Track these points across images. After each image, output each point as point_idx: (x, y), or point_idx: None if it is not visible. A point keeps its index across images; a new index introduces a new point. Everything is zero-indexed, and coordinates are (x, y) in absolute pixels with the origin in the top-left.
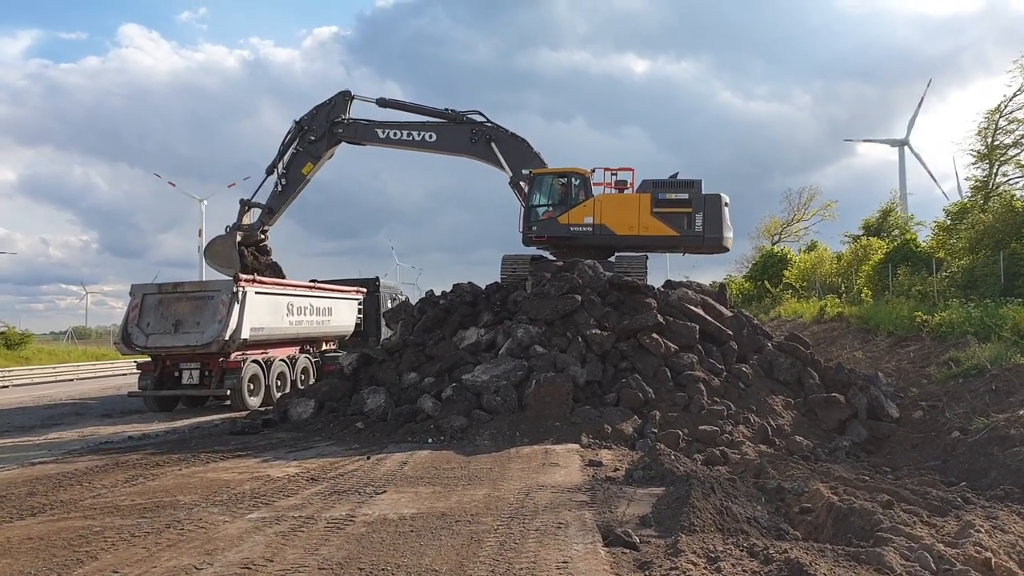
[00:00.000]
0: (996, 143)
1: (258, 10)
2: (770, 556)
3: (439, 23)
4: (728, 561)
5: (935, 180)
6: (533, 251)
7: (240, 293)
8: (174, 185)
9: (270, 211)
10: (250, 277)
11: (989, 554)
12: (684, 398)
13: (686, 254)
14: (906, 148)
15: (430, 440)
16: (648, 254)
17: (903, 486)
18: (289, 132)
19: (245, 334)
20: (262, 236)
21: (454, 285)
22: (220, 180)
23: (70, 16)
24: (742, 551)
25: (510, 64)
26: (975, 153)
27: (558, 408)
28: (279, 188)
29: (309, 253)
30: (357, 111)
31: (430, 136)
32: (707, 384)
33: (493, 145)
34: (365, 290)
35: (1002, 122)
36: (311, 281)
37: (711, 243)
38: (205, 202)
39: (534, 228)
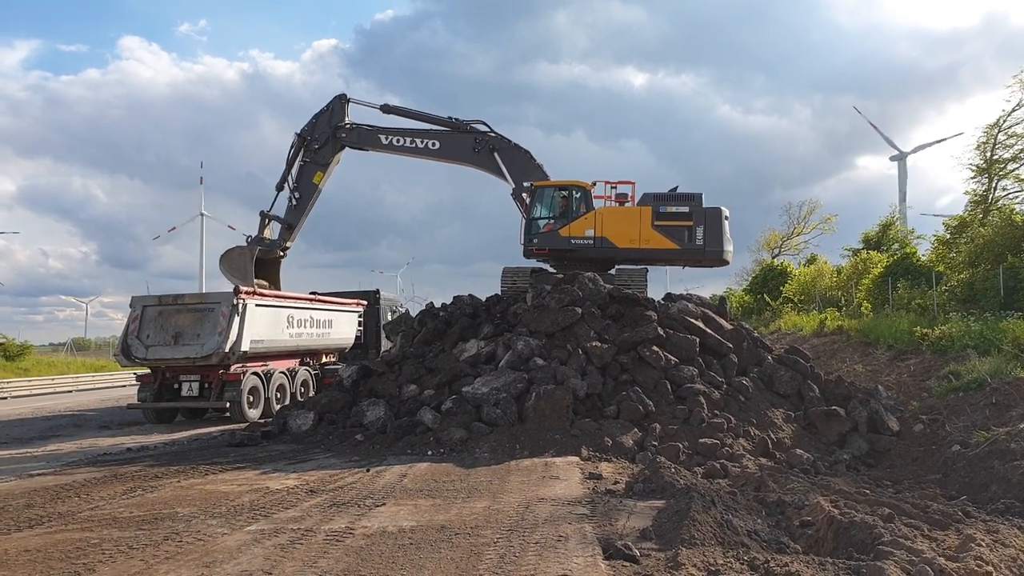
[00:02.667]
0: (995, 157)
1: (257, 23)
2: (771, 570)
3: (438, 36)
4: (729, 574)
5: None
6: (533, 263)
7: (240, 305)
8: (175, 229)
9: (289, 227)
10: (251, 289)
11: (990, 568)
12: (684, 411)
13: (685, 267)
14: (906, 161)
15: (430, 452)
16: (648, 267)
17: (903, 500)
18: (292, 145)
19: (245, 346)
20: (282, 253)
21: (454, 297)
22: (220, 191)
23: (70, 28)
24: (743, 564)
25: (509, 77)
26: (974, 167)
27: (558, 420)
28: (294, 202)
29: (309, 265)
30: (362, 117)
31: (433, 144)
32: (707, 397)
33: (496, 155)
34: (365, 302)
35: (1001, 136)
36: (311, 293)
37: (711, 256)
38: (205, 211)
39: (535, 240)
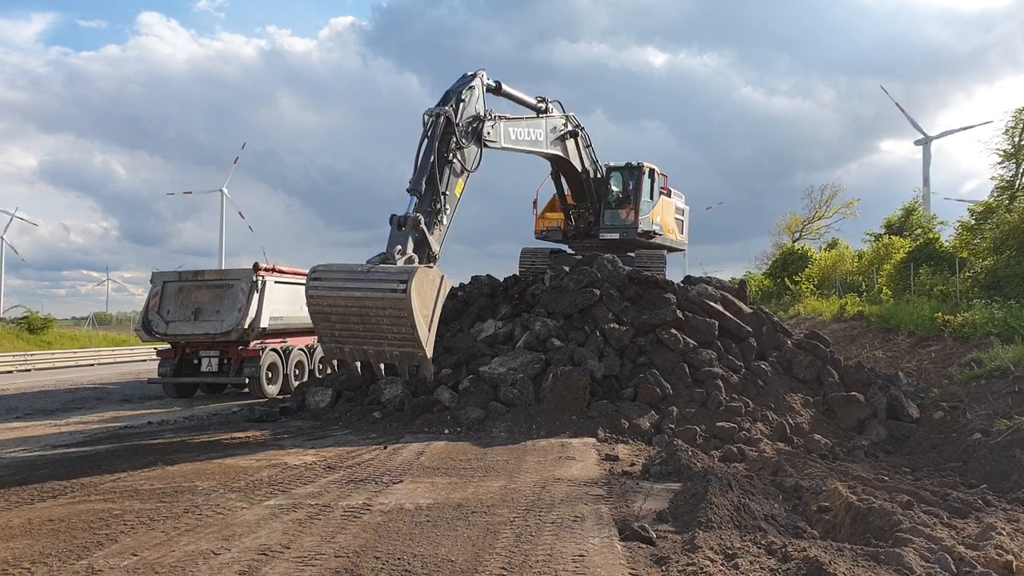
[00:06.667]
0: (1023, 142)
1: None
2: (788, 554)
3: (456, 14)
4: (746, 558)
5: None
6: (552, 244)
7: (259, 282)
8: (191, 193)
9: (431, 256)
10: (270, 266)
11: (1011, 557)
12: (702, 394)
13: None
14: (930, 146)
15: (446, 431)
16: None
17: (923, 487)
18: (428, 132)
19: (264, 323)
20: None
21: (472, 277)
22: (239, 168)
23: (89, 3)
24: (760, 548)
25: (528, 56)
26: (1001, 152)
27: (575, 402)
28: (445, 222)
29: (327, 243)
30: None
31: (540, 135)
32: (725, 380)
33: (576, 142)
34: None
35: None
36: None
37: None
38: (226, 189)
39: (642, 221)
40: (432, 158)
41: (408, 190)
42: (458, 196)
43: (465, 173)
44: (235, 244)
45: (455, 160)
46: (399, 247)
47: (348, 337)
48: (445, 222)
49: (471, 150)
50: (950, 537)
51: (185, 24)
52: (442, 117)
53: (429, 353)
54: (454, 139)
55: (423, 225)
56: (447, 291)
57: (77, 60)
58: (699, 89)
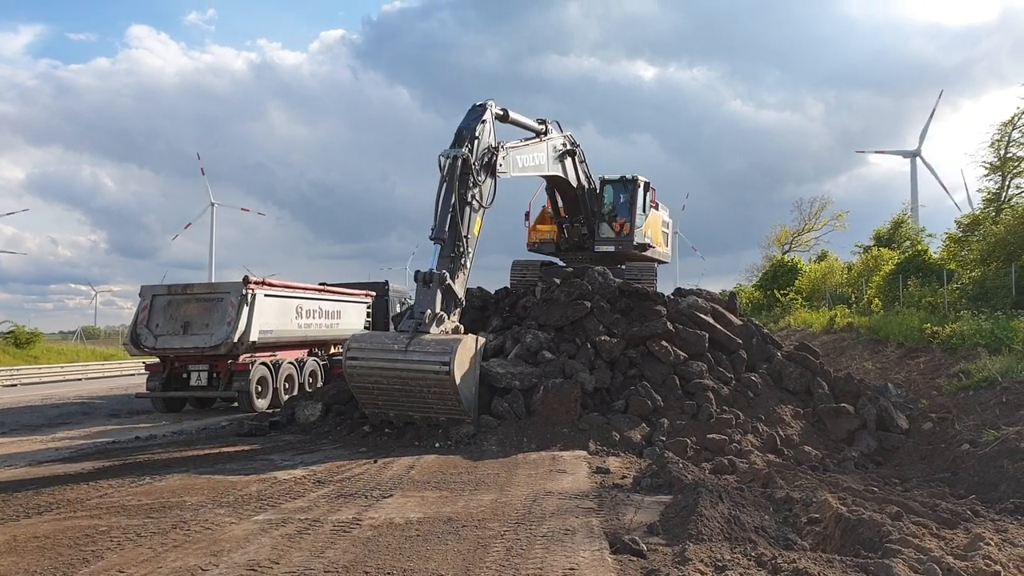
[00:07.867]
0: (1009, 155)
1: (265, 12)
2: (778, 566)
3: (447, 28)
4: (736, 570)
5: (947, 191)
6: (543, 256)
7: (249, 295)
8: (202, 173)
9: (458, 302)
10: (259, 279)
11: (999, 567)
12: (693, 406)
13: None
14: (918, 159)
15: (437, 444)
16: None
17: (912, 498)
18: (446, 176)
19: (254, 336)
20: None
21: None
22: (229, 180)
23: (77, 14)
24: (750, 560)
25: (519, 69)
26: (987, 165)
27: (566, 414)
28: (468, 266)
29: (317, 256)
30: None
31: (543, 158)
32: (716, 393)
33: (573, 160)
34: (374, 294)
35: (1015, 134)
36: (320, 284)
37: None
38: (216, 206)
39: (636, 234)
40: (453, 200)
41: (432, 239)
42: (477, 235)
43: (482, 210)
44: (224, 257)
45: (473, 200)
46: (429, 311)
47: (392, 405)
48: (468, 265)
49: (487, 185)
50: (939, 548)
51: (175, 37)
52: (459, 159)
53: (475, 415)
54: (471, 178)
55: (449, 281)
56: (483, 348)
57: (66, 73)
58: (689, 102)
